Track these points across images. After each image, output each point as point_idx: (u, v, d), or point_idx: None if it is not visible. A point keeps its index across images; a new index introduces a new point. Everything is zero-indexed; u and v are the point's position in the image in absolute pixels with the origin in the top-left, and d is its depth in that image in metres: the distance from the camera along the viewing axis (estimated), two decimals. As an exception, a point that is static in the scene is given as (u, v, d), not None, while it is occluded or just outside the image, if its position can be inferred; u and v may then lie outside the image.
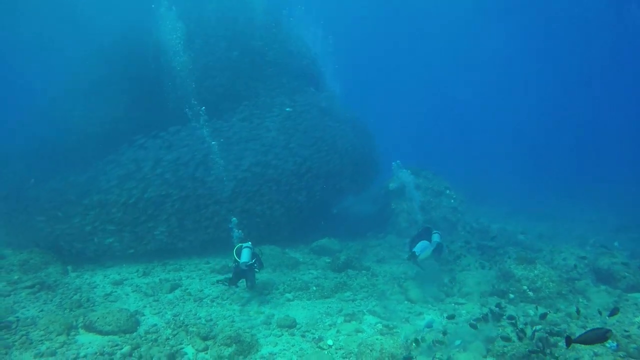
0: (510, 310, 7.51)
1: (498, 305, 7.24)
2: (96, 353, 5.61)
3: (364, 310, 7.66)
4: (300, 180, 11.61)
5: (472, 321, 6.61)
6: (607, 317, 6.72)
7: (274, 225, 11.26)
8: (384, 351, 5.46)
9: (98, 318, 6.34)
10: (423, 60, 54.18)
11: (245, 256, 7.56)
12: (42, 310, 6.84)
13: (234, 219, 9.34)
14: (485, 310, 7.34)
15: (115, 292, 8.07)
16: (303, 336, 6.59)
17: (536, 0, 41.46)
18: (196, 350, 5.97)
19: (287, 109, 12.26)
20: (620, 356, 5.70)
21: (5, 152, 12.72)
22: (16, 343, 5.67)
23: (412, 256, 8.56)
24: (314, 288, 8.74)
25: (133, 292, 8.15)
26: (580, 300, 8.11)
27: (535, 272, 8.29)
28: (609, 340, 5.71)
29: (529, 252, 11.01)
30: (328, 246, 11.48)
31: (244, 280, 7.89)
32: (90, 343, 5.93)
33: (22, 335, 5.88)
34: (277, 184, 11.17)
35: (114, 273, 9.16)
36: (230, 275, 7.87)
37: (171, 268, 9.65)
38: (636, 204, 21.01)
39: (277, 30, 13.79)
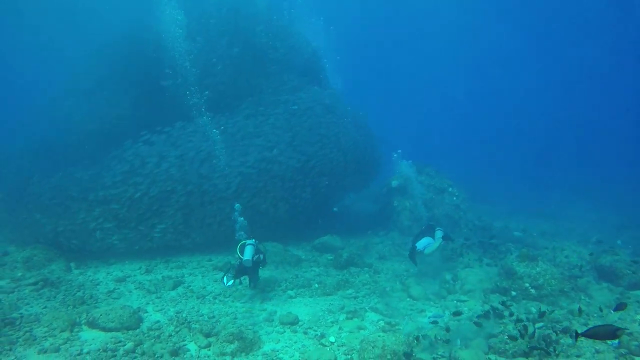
0: (513, 307, 7.51)
1: (503, 303, 7.24)
2: (99, 349, 5.64)
3: (366, 307, 7.68)
4: (305, 177, 11.60)
5: (475, 319, 6.62)
6: (611, 312, 6.71)
7: (277, 222, 11.26)
8: (385, 348, 5.47)
9: (101, 315, 6.37)
10: (423, 60, 54.11)
11: (248, 253, 7.56)
12: (45, 307, 6.87)
13: (238, 204, 9.36)
14: (487, 307, 7.35)
15: (118, 289, 8.11)
16: (305, 333, 6.61)
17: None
18: (199, 346, 6.00)
19: (294, 107, 12.22)
20: (621, 353, 5.70)
21: (7, 150, 12.73)
22: (20, 339, 5.71)
23: (413, 252, 8.56)
24: (316, 285, 8.76)
25: (136, 289, 8.19)
26: (582, 297, 8.11)
27: (538, 269, 8.28)
28: None
29: (531, 249, 10.99)
30: (330, 243, 11.49)
31: (247, 277, 7.89)
32: (93, 339, 5.96)
33: (26, 332, 5.91)
34: (281, 180, 11.15)
35: (116, 270, 9.20)
36: (235, 269, 7.82)
37: (174, 265, 9.68)
38: (636, 204, 21.01)
39: (279, 24, 13.68)
